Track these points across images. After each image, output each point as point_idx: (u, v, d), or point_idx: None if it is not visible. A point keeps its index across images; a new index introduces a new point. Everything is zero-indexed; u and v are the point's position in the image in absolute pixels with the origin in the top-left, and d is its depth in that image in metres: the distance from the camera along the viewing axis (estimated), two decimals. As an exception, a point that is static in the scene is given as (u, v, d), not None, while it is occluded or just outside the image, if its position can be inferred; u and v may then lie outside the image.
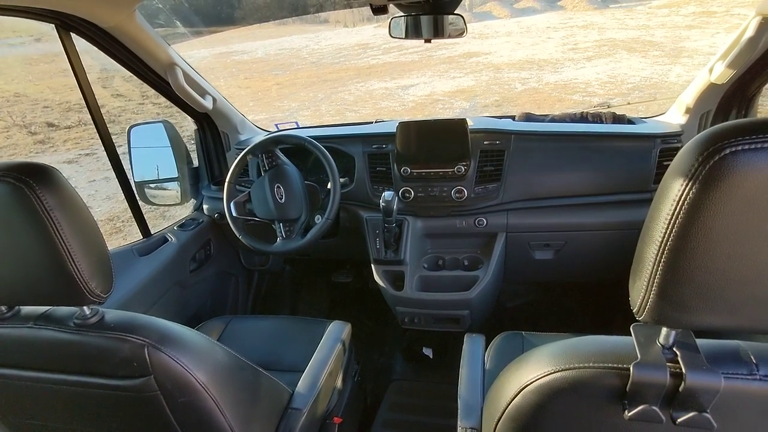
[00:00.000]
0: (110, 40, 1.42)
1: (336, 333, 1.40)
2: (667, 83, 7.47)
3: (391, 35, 1.45)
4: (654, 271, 0.51)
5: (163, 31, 1.54)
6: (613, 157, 1.57)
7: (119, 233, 4.56)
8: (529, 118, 1.78)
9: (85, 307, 0.76)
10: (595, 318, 2.04)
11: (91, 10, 1.27)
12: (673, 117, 1.68)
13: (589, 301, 2.09)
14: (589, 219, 1.60)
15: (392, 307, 1.66)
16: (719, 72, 1.37)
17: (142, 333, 0.74)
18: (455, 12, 1.37)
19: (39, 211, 0.66)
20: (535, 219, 1.62)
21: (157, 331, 0.76)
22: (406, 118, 1.69)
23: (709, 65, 1.45)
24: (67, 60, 1.41)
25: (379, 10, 1.29)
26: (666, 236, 0.49)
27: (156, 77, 1.60)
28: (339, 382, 1.38)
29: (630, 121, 1.72)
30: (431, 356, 1.92)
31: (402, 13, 1.39)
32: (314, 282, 2.39)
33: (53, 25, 1.33)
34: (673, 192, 0.48)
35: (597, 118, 1.74)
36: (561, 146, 1.60)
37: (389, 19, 1.43)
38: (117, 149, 1.59)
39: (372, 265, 1.65)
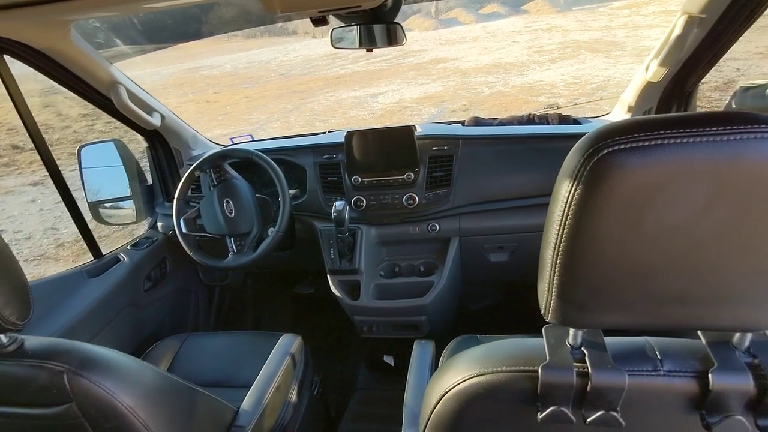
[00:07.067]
0: (47, 61, 1.38)
1: (285, 346, 1.38)
2: (628, 82, 7.66)
3: (333, 46, 1.45)
4: (552, 272, 0.51)
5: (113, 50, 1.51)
6: (560, 158, 1.55)
7: (87, 254, 4.46)
8: (477, 122, 1.81)
9: (1, 336, 0.74)
10: None
11: (23, 31, 1.24)
12: (618, 116, 1.72)
13: None
14: (540, 220, 1.59)
15: (351, 317, 1.65)
16: (654, 70, 1.40)
17: (61, 359, 0.72)
18: (394, 21, 1.39)
19: None
20: (487, 222, 1.64)
21: (79, 356, 0.74)
22: (354, 127, 1.70)
23: (645, 63, 1.49)
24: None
25: (319, 21, 1.30)
26: (559, 238, 0.49)
27: (99, 96, 1.57)
28: (294, 396, 1.36)
29: (576, 121, 1.76)
30: (393, 364, 1.92)
31: (342, 24, 1.41)
32: (277, 295, 2.37)
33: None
34: (562, 193, 0.48)
35: (543, 120, 1.77)
36: (508, 149, 1.62)
37: (330, 30, 1.44)
38: (60, 169, 1.56)
39: (328, 276, 1.64)
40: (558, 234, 0.49)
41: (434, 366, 1.23)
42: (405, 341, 1.79)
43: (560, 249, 0.50)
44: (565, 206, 0.48)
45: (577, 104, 1.91)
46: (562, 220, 0.49)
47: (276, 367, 1.29)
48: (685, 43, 1.26)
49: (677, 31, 1.25)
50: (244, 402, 1.14)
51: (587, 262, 0.49)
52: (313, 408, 1.51)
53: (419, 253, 1.70)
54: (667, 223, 0.46)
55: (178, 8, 1.28)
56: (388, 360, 1.91)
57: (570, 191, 0.48)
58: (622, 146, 0.45)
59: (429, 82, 9.73)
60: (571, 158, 0.49)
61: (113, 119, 1.68)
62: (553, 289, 0.52)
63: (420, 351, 1.24)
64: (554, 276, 0.51)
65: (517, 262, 1.70)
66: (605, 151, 0.45)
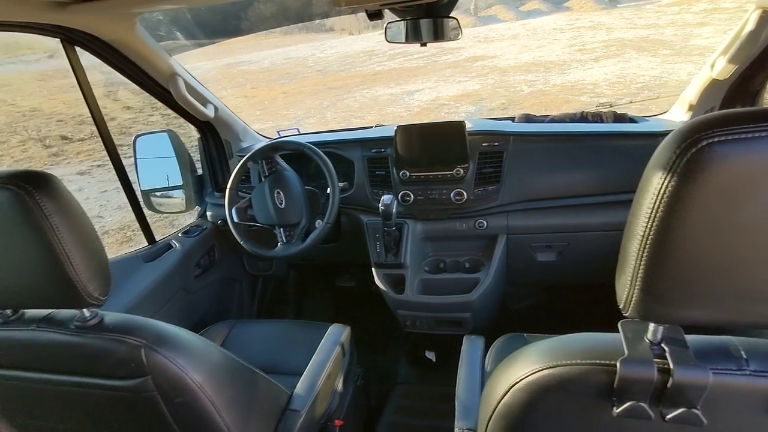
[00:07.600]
0: (113, 53, 1.45)
1: (335, 336, 1.41)
2: (677, 82, 7.40)
3: (387, 40, 1.46)
4: (637, 265, 0.51)
5: (165, 44, 1.57)
6: (614, 157, 1.56)
7: (130, 242, 4.62)
8: (528, 119, 1.78)
9: (84, 310, 0.78)
10: (604, 320, 2.01)
11: (93, 24, 1.31)
12: (677, 115, 1.67)
13: (596, 303, 2.06)
14: (591, 219, 1.59)
15: (394, 311, 1.66)
16: (721, 67, 1.35)
17: (138, 334, 0.76)
18: (450, 15, 1.38)
19: (38, 216, 0.68)
20: (536, 220, 1.62)
21: (154, 333, 0.77)
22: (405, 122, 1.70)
23: (710, 60, 1.43)
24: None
25: (375, 15, 1.31)
26: (647, 230, 0.49)
27: (159, 87, 1.63)
28: (340, 385, 1.38)
29: (632, 120, 1.71)
30: (434, 359, 1.92)
31: (397, 18, 1.41)
32: (319, 287, 2.41)
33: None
34: (653, 185, 0.48)
35: (597, 118, 1.73)
36: (561, 146, 1.60)
37: (385, 25, 1.44)
38: (122, 159, 1.62)
39: (373, 269, 1.66)
40: (647, 226, 0.49)
41: (483, 362, 1.22)
42: (446, 337, 1.79)
43: (648, 241, 0.49)
44: (656, 198, 0.47)
45: (632, 102, 1.86)
46: (652, 212, 0.48)
47: (327, 355, 1.31)
48: (758, 39, 1.21)
49: (750, 27, 1.21)
50: (297, 387, 1.17)
51: (677, 255, 0.48)
52: (355, 399, 1.53)
53: (465, 250, 1.69)
54: (764, 217, 0.45)
55: (238, 1, 1.31)
56: (430, 356, 1.91)
57: (662, 183, 0.47)
58: (722, 138, 0.44)
59: (467, 79, 9.63)
60: (664, 150, 0.48)
61: (155, 112, 1.74)
62: (637, 283, 0.51)
63: (470, 346, 1.24)
64: (639, 269, 0.51)
65: (564, 263, 1.67)
66: (703, 143, 0.44)
